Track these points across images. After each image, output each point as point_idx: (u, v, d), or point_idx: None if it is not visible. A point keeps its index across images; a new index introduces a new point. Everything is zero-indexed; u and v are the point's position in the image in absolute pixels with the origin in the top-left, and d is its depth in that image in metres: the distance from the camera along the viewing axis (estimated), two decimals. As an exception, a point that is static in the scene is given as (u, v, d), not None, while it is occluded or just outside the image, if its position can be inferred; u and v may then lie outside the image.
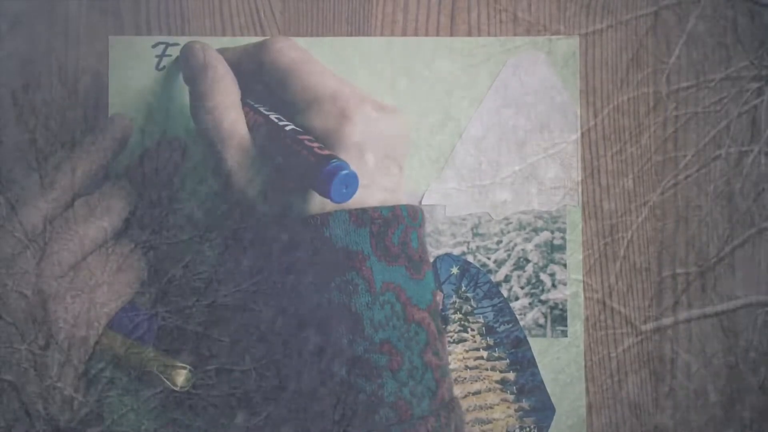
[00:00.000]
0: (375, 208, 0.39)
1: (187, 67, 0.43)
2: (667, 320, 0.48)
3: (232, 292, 0.42)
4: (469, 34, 0.49)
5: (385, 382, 0.38)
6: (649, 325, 0.48)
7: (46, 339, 0.40)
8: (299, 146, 0.38)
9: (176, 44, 0.48)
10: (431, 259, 0.48)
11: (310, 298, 0.39)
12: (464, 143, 0.48)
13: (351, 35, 0.48)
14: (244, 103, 0.43)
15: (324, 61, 0.48)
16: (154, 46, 0.48)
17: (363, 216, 0.39)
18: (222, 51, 0.44)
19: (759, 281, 0.48)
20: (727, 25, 0.49)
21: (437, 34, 0.48)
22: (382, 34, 0.48)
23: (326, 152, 0.38)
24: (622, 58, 0.49)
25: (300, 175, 0.38)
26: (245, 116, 0.42)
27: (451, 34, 0.49)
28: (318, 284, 0.38)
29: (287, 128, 0.40)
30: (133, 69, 0.48)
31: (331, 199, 0.37)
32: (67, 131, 0.48)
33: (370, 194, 0.40)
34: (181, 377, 0.41)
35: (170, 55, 0.48)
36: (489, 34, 0.49)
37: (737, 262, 0.48)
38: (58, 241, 0.42)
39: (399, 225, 0.39)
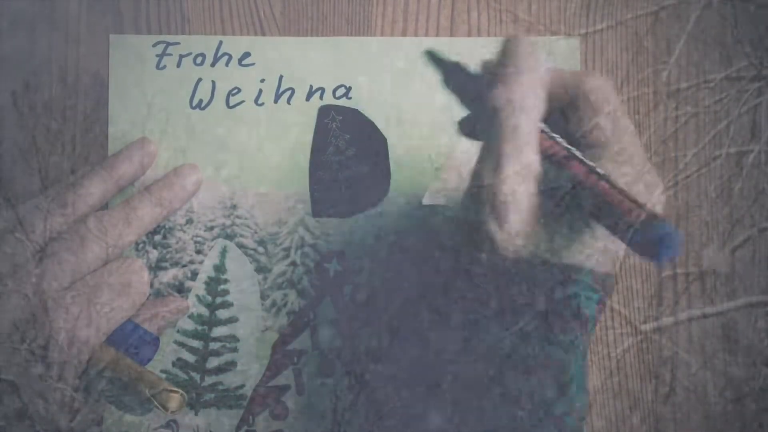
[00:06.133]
0: (609, 275, 0.38)
1: (506, 63, 0.38)
2: (667, 320, 0.48)
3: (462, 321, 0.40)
4: (469, 34, 0.49)
5: None
6: (649, 325, 0.48)
7: (46, 339, 0.40)
8: (620, 195, 0.35)
9: (177, 43, 0.48)
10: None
11: (535, 348, 0.37)
12: (464, 143, 0.48)
13: (351, 35, 0.48)
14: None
15: (324, 61, 0.48)
16: (155, 45, 0.48)
17: (603, 281, 0.37)
18: None
19: (759, 281, 0.48)
20: (727, 25, 0.49)
21: (437, 34, 0.48)
22: (382, 34, 0.48)
23: (651, 209, 0.35)
24: (622, 58, 0.49)
25: (613, 226, 0.35)
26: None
27: (451, 35, 0.49)
28: (545, 337, 0.37)
29: (600, 171, 0.36)
30: (134, 68, 0.48)
31: (656, 260, 0.34)
32: (67, 131, 0.48)
33: (611, 260, 0.38)
34: (174, 402, 0.41)
35: (170, 54, 0.48)
36: (489, 35, 0.49)
37: (737, 262, 0.48)
38: (63, 251, 0.42)
39: (607, 296, 0.38)
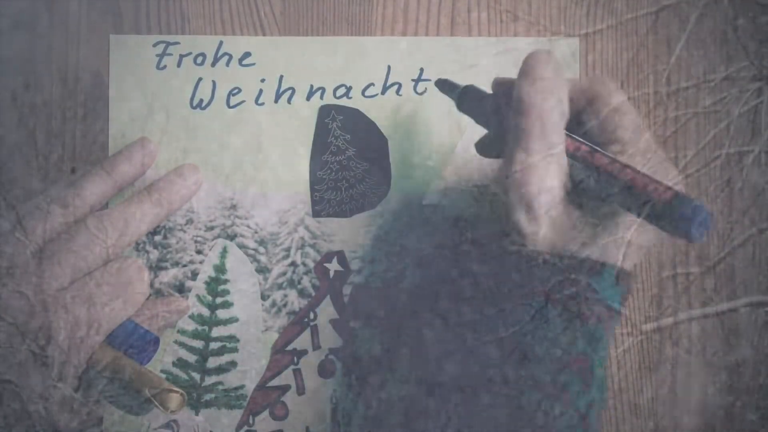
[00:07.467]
0: (628, 273, 0.39)
1: (531, 72, 0.39)
2: (667, 320, 0.48)
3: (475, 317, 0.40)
4: (469, 34, 0.49)
5: None
6: (649, 325, 0.48)
7: (46, 339, 0.40)
8: (646, 179, 0.36)
9: (177, 43, 0.48)
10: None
11: (556, 338, 0.38)
12: (464, 143, 0.48)
13: (351, 35, 0.48)
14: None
15: (324, 61, 0.48)
16: (155, 45, 0.48)
17: (625, 277, 0.38)
18: None
19: (759, 281, 0.48)
20: (727, 25, 0.49)
21: (437, 34, 0.48)
22: (382, 34, 0.48)
23: (678, 189, 0.36)
24: (622, 58, 0.49)
25: (642, 210, 0.36)
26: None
27: (451, 34, 0.49)
28: (566, 327, 0.37)
29: (622, 161, 0.38)
30: (134, 68, 0.48)
31: (688, 237, 0.35)
32: (67, 131, 0.48)
33: (634, 257, 0.39)
34: (174, 401, 0.41)
35: (171, 54, 0.48)
36: (489, 34, 0.49)
37: (737, 262, 0.48)
38: (63, 251, 0.42)
39: (629, 294, 0.39)
